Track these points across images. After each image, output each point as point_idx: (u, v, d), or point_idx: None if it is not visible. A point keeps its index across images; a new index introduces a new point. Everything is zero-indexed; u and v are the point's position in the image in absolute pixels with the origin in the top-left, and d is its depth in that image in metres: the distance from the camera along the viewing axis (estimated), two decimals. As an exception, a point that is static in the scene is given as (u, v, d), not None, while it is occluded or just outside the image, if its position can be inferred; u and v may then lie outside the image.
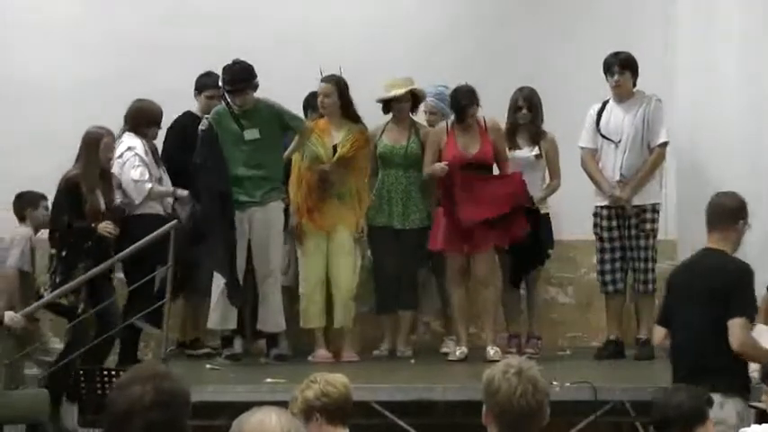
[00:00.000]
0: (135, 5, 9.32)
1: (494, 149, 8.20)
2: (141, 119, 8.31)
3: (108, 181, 8.01)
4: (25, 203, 8.23)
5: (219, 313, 7.95)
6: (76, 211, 7.82)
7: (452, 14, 9.58)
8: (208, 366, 7.83)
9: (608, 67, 8.44)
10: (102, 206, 7.87)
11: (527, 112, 8.44)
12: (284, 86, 8.36)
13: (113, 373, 6.83)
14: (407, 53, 9.12)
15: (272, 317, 8.06)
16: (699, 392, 4.78)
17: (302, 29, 9.25)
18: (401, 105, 8.53)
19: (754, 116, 9.06)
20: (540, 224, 8.45)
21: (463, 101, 8.13)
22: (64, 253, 7.81)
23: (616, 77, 8.41)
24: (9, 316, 7.35)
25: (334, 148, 8.22)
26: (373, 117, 8.56)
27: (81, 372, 6.94)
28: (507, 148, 8.39)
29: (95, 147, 7.89)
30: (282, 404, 3.44)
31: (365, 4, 9.51)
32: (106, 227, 7.75)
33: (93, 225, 7.75)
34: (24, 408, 7.37)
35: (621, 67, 8.40)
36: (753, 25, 9.21)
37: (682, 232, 9.32)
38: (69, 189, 7.86)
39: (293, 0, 9.45)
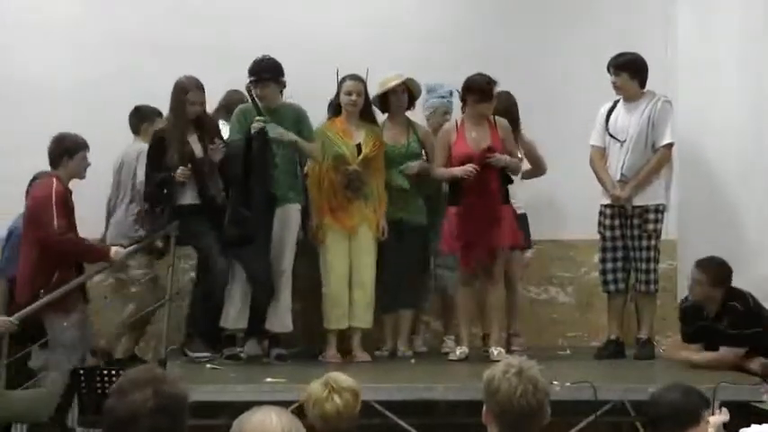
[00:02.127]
0: (135, 5, 9.32)
1: (502, 147, 8.07)
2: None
3: (206, 129, 7.99)
4: (141, 118, 8.47)
5: (235, 313, 7.95)
6: (158, 163, 7.87)
7: (452, 14, 9.59)
8: (208, 366, 7.82)
9: (608, 68, 8.45)
10: (200, 152, 7.90)
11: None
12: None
13: (113, 372, 6.82)
14: (407, 53, 9.11)
15: (280, 318, 8.04)
16: (694, 392, 4.68)
17: (302, 29, 9.24)
18: (399, 98, 8.50)
19: (754, 116, 9.06)
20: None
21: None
22: (147, 205, 7.99)
23: (612, 79, 8.42)
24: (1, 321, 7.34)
25: (358, 147, 8.23)
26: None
27: (81, 371, 6.93)
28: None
29: (178, 97, 7.91)
30: (282, 404, 3.43)
31: (365, 4, 9.51)
32: (179, 170, 7.81)
33: (171, 174, 7.79)
34: (24, 408, 7.37)
35: (617, 68, 8.39)
36: (753, 25, 9.21)
37: (682, 232, 9.33)
38: (154, 142, 7.98)
39: (293, 0, 9.46)
